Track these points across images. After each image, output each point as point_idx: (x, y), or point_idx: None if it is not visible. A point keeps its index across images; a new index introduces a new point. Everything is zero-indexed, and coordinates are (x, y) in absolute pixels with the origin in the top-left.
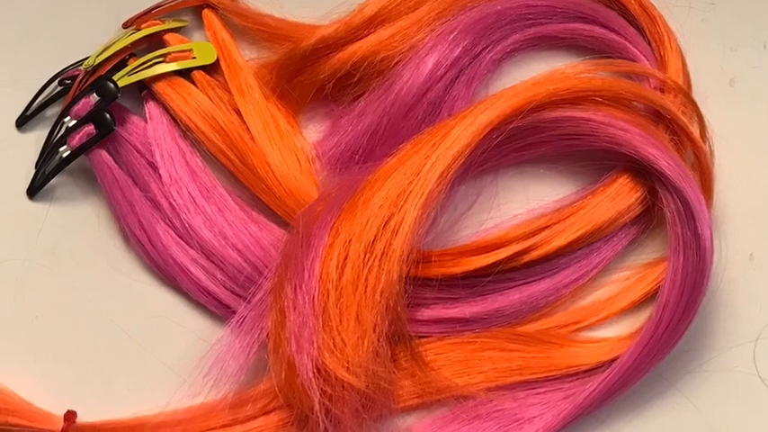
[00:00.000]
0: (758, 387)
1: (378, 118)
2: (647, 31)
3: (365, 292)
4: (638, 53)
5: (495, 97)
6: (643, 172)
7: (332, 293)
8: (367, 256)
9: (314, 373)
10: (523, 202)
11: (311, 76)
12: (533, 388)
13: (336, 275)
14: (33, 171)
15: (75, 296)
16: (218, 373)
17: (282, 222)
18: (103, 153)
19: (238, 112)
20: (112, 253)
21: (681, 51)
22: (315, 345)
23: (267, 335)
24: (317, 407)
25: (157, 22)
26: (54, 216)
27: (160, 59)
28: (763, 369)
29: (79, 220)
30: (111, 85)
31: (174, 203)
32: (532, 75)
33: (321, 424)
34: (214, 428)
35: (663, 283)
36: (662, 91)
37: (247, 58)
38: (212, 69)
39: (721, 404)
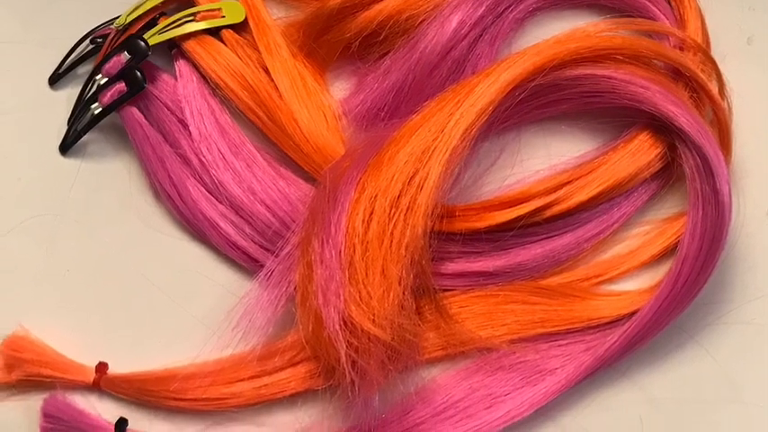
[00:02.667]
0: None
1: (403, 76)
2: None
3: (390, 246)
4: (658, 12)
5: (517, 55)
6: (663, 128)
7: (358, 247)
8: (392, 211)
9: (340, 325)
10: (545, 158)
11: (338, 34)
12: (555, 340)
13: (362, 230)
14: (65, 128)
15: (106, 250)
16: (246, 326)
17: (309, 178)
18: (134, 110)
19: (266, 71)
20: (143, 208)
21: (700, 10)
22: (341, 298)
23: (295, 288)
24: (343, 358)
25: None
26: (86, 172)
27: (190, 18)
28: None
29: (110, 176)
30: (142, 43)
31: (203, 160)
32: (554, 34)
33: (347, 375)
34: (242, 380)
35: (682, 237)
36: (681, 49)
37: (275, 17)
38: (241, 28)
39: (740, 356)
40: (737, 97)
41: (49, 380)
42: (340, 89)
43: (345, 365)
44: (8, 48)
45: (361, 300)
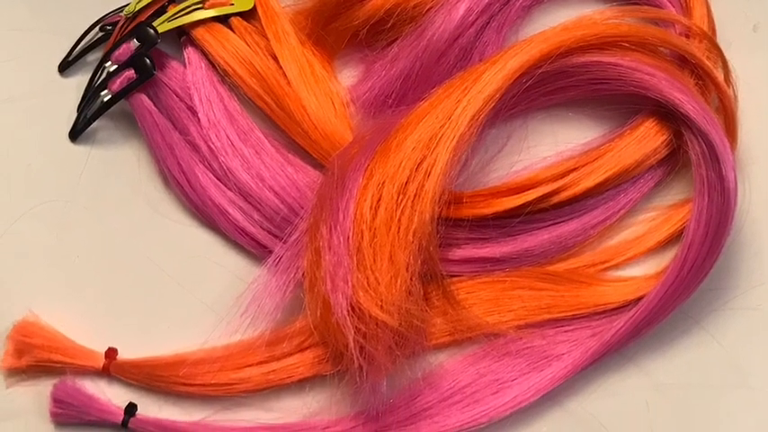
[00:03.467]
0: None
1: (410, 63)
2: None
3: (398, 232)
4: (664, 0)
5: (524, 43)
6: (669, 115)
7: (366, 234)
8: (400, 198)
9: (348, 311)
10: (552, 145)
11: (346, 22)
12: (562, 326)
13: (370, 216)
14: (75, 115)
15: (115, 236)
16: (255, 312)
17: (318, 165)
18: (143, 97)
19: (275, 58)
20: (152, 194)
21: None
22: (349, 283)
23: (303, 274)
24: (351, 344)
25: None
26: (95, 159)
27: (199, 6)
28: None
29: (120, 163)
30: (151, 30)
31: (212, 146)
32: (561, 21)
33: (355, 361)
34: (251, 365)
35: (688, 223)
36: (687, 37)
37: (284, 4)
38: (249, 16)
39: (745, 341)
40: (743, 84)
41: (58, 365)
42: (348, 76)
43: (353, 351)
44: (18, 35)
45: (368, 285)
